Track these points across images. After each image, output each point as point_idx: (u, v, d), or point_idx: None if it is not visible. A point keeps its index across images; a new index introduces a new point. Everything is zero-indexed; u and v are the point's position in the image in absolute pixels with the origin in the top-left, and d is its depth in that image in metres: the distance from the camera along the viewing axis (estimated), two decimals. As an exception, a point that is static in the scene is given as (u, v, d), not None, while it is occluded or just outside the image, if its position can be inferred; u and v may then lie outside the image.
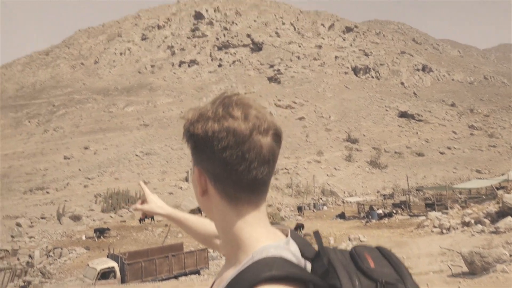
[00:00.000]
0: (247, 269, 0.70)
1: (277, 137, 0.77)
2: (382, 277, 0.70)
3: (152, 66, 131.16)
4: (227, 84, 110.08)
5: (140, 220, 30.25)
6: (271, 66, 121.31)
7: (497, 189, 27.67)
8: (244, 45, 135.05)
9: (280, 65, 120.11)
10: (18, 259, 21.84)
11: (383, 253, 0.75)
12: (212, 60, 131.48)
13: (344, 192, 43.48)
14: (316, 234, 0.80)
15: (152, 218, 30.65)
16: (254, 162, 0.74)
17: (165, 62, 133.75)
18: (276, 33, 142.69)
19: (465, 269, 10.87)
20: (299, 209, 33.17)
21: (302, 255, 0.77)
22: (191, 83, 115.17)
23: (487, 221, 15.28)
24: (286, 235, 0.81)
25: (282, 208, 33.36)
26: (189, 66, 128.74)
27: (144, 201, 1.30)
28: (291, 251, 0.76)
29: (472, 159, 62.02)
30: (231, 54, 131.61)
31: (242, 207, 0.78)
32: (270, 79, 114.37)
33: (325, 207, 36.63)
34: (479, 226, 15.09)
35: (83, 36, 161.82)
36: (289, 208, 34.66)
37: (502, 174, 37.16)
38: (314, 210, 35.67)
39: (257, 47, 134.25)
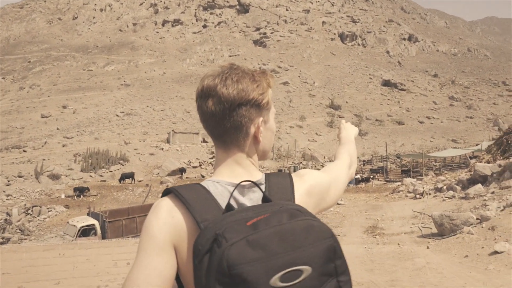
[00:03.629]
0: None
1: (219, 102, 0.97)
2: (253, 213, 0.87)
3: (134, 24, 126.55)
4: (212, 46, 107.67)
5: (120, 180, 30.19)
6: (257, 29, 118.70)
7: (471, 158, 28.63)
8: (230, 6, 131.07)
9: (267, 29, 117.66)
10: (-5, 216, 21.68)
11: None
12: (196, 20, 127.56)
13: (324, 157, 44.13)
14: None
15: (133, 178, 30.61)
16: (201, 117, 1.02)
17: (147, 20, 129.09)
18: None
19: (434, 230, 11.37)
20: (282, 171, 33.63)
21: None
22: (174, 44, 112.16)
23: (458, 187, 15.87)
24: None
25: (263, 170, 33.78)
26: (172, 25, 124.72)
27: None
28: (227, 190, 0.97)
29: (449, 129, 63.54)
30: (216, 15, 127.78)
31: (217, 149, 1.05)
32: (256, 42, 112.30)
33: (304, 171, 37.22)
34: (451, 192, 15.68)
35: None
36: (270, 171, 35.21)
37: (476, 145, 38.29)
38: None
39: (243, 8, 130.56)
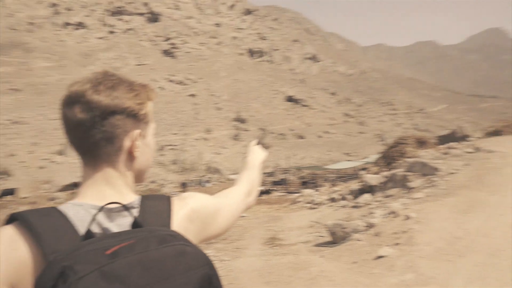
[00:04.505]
0: None
1: (88, 109, 0.82)
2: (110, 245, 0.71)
3: (30, 23, 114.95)
4: (118, 53, 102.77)
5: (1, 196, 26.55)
6: (167, 39, 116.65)
7: (361, 170, 31.20)
8: (140, 14, 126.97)
9: (177, 39, 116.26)
10: None
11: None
12: (103, 25, 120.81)
13: (229, 170, 44.39)
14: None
15: (14, 194, 27.16)
16: (66, 128, 0.86)
17: (46, 21, 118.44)
18: (176, 5, 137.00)
19: (328, 239, 11.85)
20: (183, 185, 32.97)
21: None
22: (76, 48, 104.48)
23: (350, 197, 16.97)
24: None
25: (166, 184, 32.75)
26: (75, 29, 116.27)
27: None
28: (91, 214, 0.79)
29: (344, 143, 69.07)
30: (125, 21, 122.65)
31: (84, 166, 0.89)
32: (165, 52, 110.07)
33: (209, 184, 37.02)
34: (343, 202, 16.67)
35: None
36: (173, 184, 34.17)
37: (366, 157, 41.88)
38: (199, 187, 35.79)
39: (153, 17, 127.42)
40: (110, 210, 0.82)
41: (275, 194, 27.26)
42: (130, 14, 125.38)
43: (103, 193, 0.85)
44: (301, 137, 68.20)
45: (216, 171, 42.68)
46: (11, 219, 0.77)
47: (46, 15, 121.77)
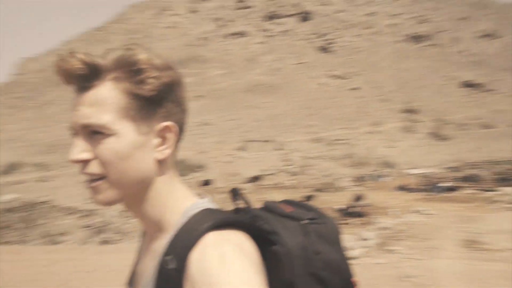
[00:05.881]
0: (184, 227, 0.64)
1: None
2: (303, 216, 0.73)
3: (201, 38, 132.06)
4: (277, 55, 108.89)
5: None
6: (322, 35, 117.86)
7: None
8: (292, 15, 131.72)
9: (331, 35, 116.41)
10: None
11: (292, 202, 0.79)
12: (261, 31, 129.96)
13: (405, 164, 42.09)
14: (235, 190, 0.77)
15: (210, 184, 31.18)
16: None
17: (213, 34, 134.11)
18: (325, 1, 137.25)
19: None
20: (361, 179, 32.23)
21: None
22: (241, 55, 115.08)
23: None
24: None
25: (340, 178, 32.87)
26: (238, 37, 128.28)
27: None
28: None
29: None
30: (279, 24, 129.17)
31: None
32: (321, 49, 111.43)
33: (385, 179, 35.71)
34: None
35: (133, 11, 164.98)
36: (348, 178, 34.03)
37: None
38: (376, 181, 34.85)
39: (305, 17, 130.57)
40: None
41: (464, 192, 24.72)
42: (283, 17, 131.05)
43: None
44: (487, 126, 59.76)
45: (391, 165, 41.00)
46: (210, 229, 0.63)
47: (212, 29, 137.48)
